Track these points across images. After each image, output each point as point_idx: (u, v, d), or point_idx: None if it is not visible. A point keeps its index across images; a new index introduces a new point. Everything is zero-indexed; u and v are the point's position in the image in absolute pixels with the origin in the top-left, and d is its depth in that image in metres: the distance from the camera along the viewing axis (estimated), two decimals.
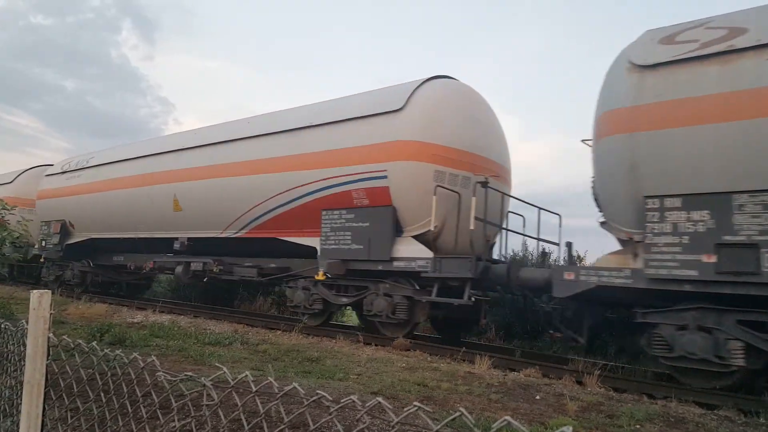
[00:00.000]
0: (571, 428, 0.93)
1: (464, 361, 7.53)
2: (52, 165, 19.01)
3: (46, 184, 17.82)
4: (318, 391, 1.50)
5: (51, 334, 1.97)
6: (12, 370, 2.23)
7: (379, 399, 1.35)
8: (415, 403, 1.32)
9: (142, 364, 1.81)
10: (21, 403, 1.88)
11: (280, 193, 10.52)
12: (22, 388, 1.93)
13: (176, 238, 12.91)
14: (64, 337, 2.02)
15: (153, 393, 1.81)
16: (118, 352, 1.85)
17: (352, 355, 7.48)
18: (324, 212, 9.92)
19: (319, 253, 9.93)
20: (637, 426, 4.60)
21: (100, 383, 1.96)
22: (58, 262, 16.98)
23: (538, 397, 5.52)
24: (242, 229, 11.51)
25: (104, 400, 1.95)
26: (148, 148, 14.44)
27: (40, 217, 17.28)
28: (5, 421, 2.40)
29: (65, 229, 16.33)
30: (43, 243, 16.56)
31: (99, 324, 8.46)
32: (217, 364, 1.75)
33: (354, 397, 1.42)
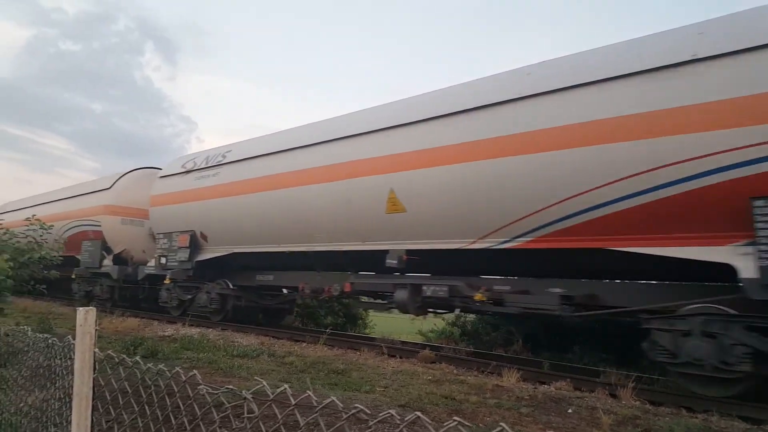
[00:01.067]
0: None
1: (492, 373, 7.46)
2: (157, 168, 17.15)
3: (162, 188, 14.54)
4: (356, 405, 1.53)
5: (96, 349, 2.04)
6: (60, 383, 2.31)
7: (419, 414, 1.37)
8: (455, 417, 1.34)
9: (184, 378, 1.86)
10: (70, 415, 1.95)
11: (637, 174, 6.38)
12: (70, 400, 2.00)
13: (387, 251, 9.12)
14: (109, 351, 2.09)
15: (195, 406, 1.86)
16: (161, 366, 1.91)
17: (378, 367, 7.48)
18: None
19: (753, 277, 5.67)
20: None
21: (144, 396, 2.02)
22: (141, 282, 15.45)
23: (570, 411, 5.44)
24: (519, 237, 7.58)
25: (148, 412, 2.01)
26: (329, 131, 10.53)
27: (155, 228, 14.69)
28: (53, 431, 2.48)
29: (195, 242, 13.04)
30: (163, 260, 13.62)
31: (132, 338, 8.64)
32: (257, 378, 1.78)
33: (393, 411, 1.44)
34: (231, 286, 12.93)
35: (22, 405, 2.74)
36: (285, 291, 13.16)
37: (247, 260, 12.59)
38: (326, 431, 1.58)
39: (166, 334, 10.37)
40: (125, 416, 2.09)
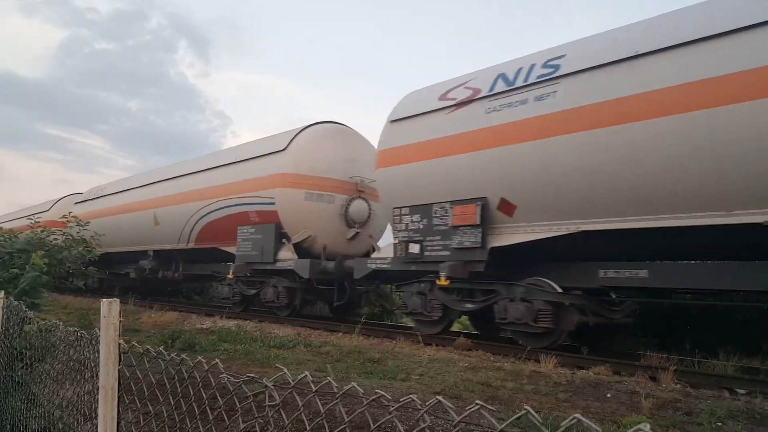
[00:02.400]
0: (648, 426, 0.86)
1: (529, 360, 7.34)
2: (335, 123, 13.40)
3: (401, 137, 9.82)
4: (377, 390, 1.49)
5: (121, 341, 2.05)
6: (89, 375, 2.34)
7: (439, 398, 1.32)
8: (478, 401, 1.28)
9: (206, 367, 1.85)
10: (98, 407, 1.97)
11: None
12: (98, 393, 2.01)
13: None
14: (134, 342, 2.10)
15: (218, 395, 1.84)
16: (183, 356, 1.91)
17: (413, 355, 7.46)
18: None
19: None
20: (719, 424, 4.33)
21: (168, 387, 2.02)
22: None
23: (609, 395, 5.31)
24: None
25: (173, 403, 2.01)
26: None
27: (390, 200, 9.97)
28: (86, 424, 2.52)
29: (487, 216, 8.43)
30: (414, 248, 9.21)
31: (170, 331, 8.83)
32: (278, 366, 1.78)
33: (414, 396, 1.39)
34: (558, 290, 7.76)
35: (56, 398, 2.80)
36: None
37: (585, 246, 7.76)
38: (347, 418, 1.55)
39: (204, 326, 10.58)
40: (151, 407, 2.10)
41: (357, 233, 12.54)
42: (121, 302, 2.24)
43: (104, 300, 2.06)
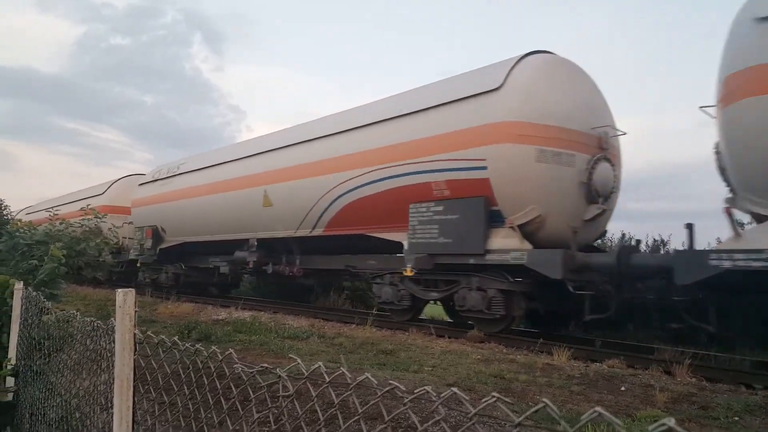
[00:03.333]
0: (673, 420, 0.84)
1: (542, 352, 7.32)
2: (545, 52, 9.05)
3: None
4: (391, 382, 1.48)
5: (137, 331, 2.07)
6: (105, 365, 2.37)
7: (455, 389, 1.31)
8: (494, 393, 1.27)
9: (220, 357, 1.86)
10: (114, 397, 1.99)
11: None
12: (114, 383, 2.03)
13: None
14: (149, 332, 2.11)
15: (232, 385, 1.85)
16: (198, 346, 1.92)
17: (426, 347, 7.46)
18: None
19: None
20: (736, 418, 4.28)
21: (183, 377, 2.03)
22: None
23: (623, 389, 5.27)
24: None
25: (187, 393, 2.03)
26: None
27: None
28: (102, 414, 2.56)
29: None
30: None
31: (186, 322, 8.92)
32: (291, 356, 1.78)
33: (428, 388, 1.38)
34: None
35: (74, 389, 2.84)
36: None
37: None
38: (360, 408, 1.54)
39: (220, 317, 10.66)
40: (165, 397, 2.12)
41: (603, 211, 8.70)
42: (138, 293, 2.26)
43: (119, 290, 2.08)
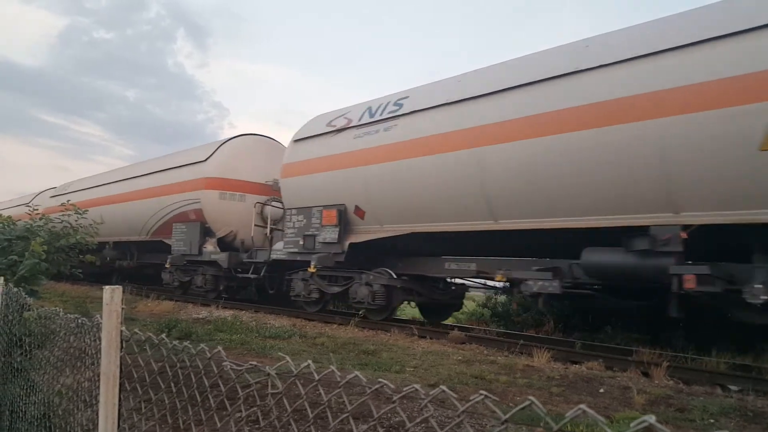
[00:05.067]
0: (653, 417, 0.88)
1: (522, 354, 7.40)
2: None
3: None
4: (380, 380, 1.50)
5: (123, 328, 2.06)
6: (89, 362, 2.35)
7: (444, 388, 1.34)
8: (481, 391, 1.30)
9: (209, 355, 1.86)
10: (99, 394, 1.98)
11: None
12: (99, 380, 2.02)
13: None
14: (137, 330, 2.11)
15: (220, 383, 1.86)
16: (186, 343, 1.92)
17: (408, 348, 7.50)
18: None
19: None
20: (711, 420, 4.38)
21: (170, 374, 2.03)
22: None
23: (602, 390, 5.36)
24: None
25: (174, 391, 2.03)
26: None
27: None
28: (86, 411, 2.54)
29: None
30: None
31: (167, 320, 8.84)
32: (280, 354, 1.79)
33: (417, 386, 1.41)
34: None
35: (56, 386, 2.81)
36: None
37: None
38: (350, 407, 1.56)
39: (200, 316, 10.58)
40: (152, 394, 2.11)
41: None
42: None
43: (107, 287, 2.07)
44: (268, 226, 13.61)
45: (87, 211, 10.94)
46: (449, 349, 7.53)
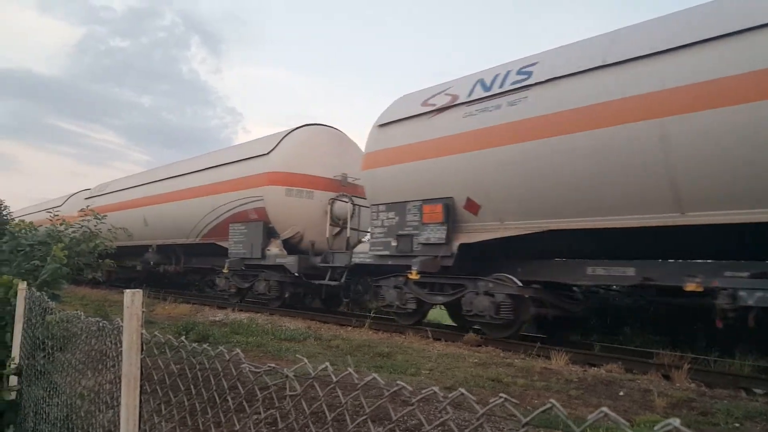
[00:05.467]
0: (678, 421, 0.86)
1: (539, 356, 7.34)
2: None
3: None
4: (398, 382, 1.50)
5: (144, 331, 2.08)
6: (110, 365, 2.38)
7: (462, 390, 1.33)
8: (501, 394, 1.29)
9: (227, 357, 1.88)
10: (120, 396, 2.00)
11: None
12: (120, 382, 2.05)
13: None
14: (156, 333, 2.13)
15: (239, 385, 1.87)
16: (205, 346, 1.94)
17: (423, 350, 7.48)
18: None
19: None
20: (736, 425, 4.29)
21: (189, 376, 2.05)
22: None
23: (621, 393, 5.29)
24: None
25: (193, 393, 2.05)
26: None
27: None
28: (107, 412, 2.57)
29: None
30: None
31: (184, 322, 8.92)
32: (298, 356, 1.80)
33: (436, 388, 1.40)
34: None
35: (78, 388, 2.85)
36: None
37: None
38: (368, 409, 1.56)
39: (217, 319, 10.66)
40: (171, 396, 2.13)
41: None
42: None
43: (127, 291, 2.09)
44: (348, 225, 12.48)
45: (106, 216, 11.08)
46: (465, 352, 7.49)
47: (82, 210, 10.40)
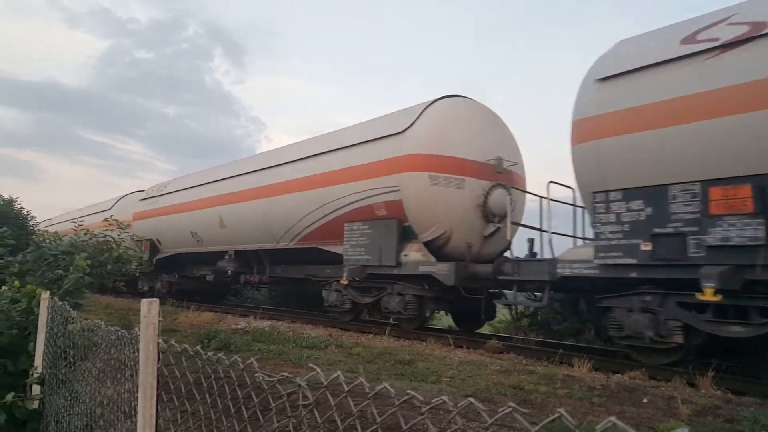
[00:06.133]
0: (686, 429, 0.85)
1: (562, 363, 7.24)
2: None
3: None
4: (408, 391, 1.49)
5: (160, 340, 2.11)
6: (129, 374, 2.42)
7: (471, 399, 1.32)
8: (510, 403, 1.28)
9: (242, 366, 1.89)
10: (137, 405, 2.03)
11: None
12: (137, 391, 2.08)
13: None
14: (172, 342, 2.16)
15: (253, 394, 1.88)
16: (220, 355, 1.96)
17: (444, 358, 7.43)
18: None
19: None
20: None
21: (205, 385, 2.07)
22: None
23: (645, 401, 5.19)
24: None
25: (209, 402, 2.07)
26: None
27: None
28: (126, 422, 2.60)
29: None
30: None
31: (206, 331, 9.01)
32: (311, 365, 1.81)
33: (445, 397, 1.40)
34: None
35: (98, 397, 2.90)
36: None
37: None
38: (378, 418, 1.56)
39: (239, 327, 10.74)
40: (188, 405, 2.16)
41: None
42: (160, 303, 2.31)
43: (144, 300, 2.13)
44: (508, 220, 9.55)
45: (129, 225, 11.29)
46: (486, 359, 7.43)
47: (106, 220, 10.59)
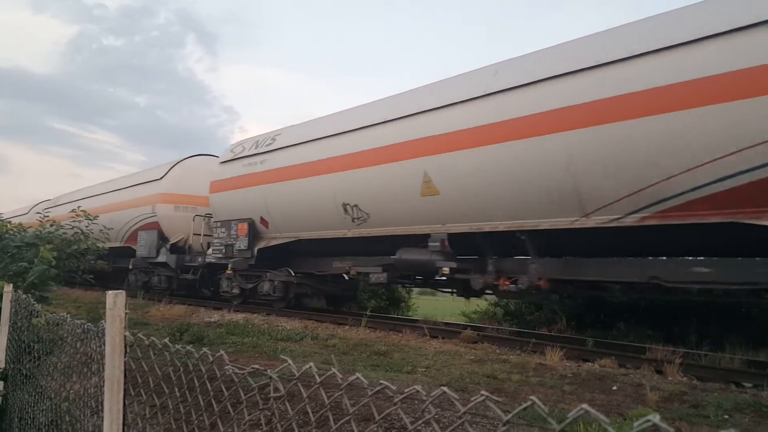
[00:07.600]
0: (658, 416, 0.86)
1: (535, 352, 7.35)
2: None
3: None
4: (381, 382, 1.48)
5: (127, 333, 2.06)
6: (96, 368, 2.36)
7: (445, 389, 1.32)
8: (483, 392, 1.28)
9: (211, 359, 1.86)
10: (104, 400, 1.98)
11: None
12: (104, 385, 2.02)
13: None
14: (139, 335, 2.10)
15: (224, 387, 1.85)
16: (189, 347, 1.91)
17: (420, 348, 7.47)
18: None
19: None
20: (726, 416, 4.32)
21: (174, 379, 2.03)
22: None
23: (615, 388, 5.30)
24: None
25: (179, 395, 2.02)
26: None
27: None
28: (93, 417, 2.54)
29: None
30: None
31: (179, 324, 8.88)
32: (282, 357, 1.78)
33: (418, 387, 1.39)
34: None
35: (63, 392, 2.82)
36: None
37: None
38: (351, 409, 1.55)
39: (212, 320, 10.62)
40: (156, 400, 2.11)
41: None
42: (129, 296, 2.25)
43: (110, 292, 2.07)
44: None
45: (97, 217, 10.99)
46: (461, 349, 7.49)
47: (73, 211, 10.29)
